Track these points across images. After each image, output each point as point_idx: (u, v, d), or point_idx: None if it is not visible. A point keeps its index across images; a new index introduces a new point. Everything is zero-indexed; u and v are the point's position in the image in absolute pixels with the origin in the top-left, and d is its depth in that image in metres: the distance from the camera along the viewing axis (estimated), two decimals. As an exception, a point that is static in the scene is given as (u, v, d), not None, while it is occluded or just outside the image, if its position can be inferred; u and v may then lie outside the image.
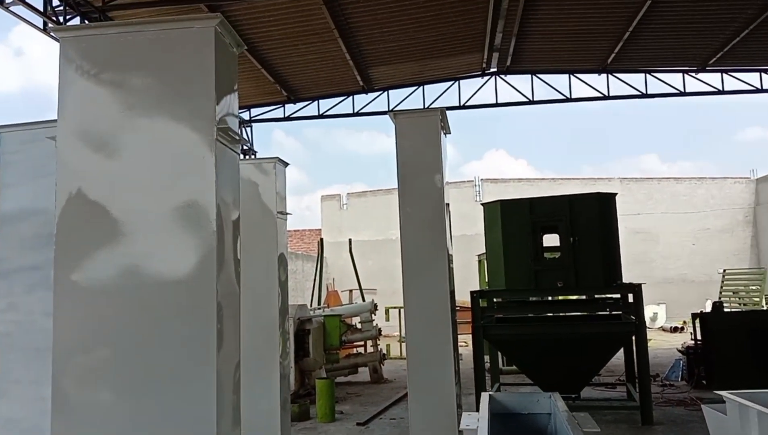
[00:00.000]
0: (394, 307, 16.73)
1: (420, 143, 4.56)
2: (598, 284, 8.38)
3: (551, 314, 9.27)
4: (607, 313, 9.10)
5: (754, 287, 19.12)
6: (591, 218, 8.41)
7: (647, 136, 71.66)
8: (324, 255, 17.31)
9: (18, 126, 4.60)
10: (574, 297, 9.51)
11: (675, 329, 19.79)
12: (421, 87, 15.22)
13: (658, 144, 69.55)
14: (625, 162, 64.72)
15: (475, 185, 23.68)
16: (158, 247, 2.80)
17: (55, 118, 3.03)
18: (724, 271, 20.40)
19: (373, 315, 12.65)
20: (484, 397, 3.40)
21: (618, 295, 8.93)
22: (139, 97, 2.83)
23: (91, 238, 2.85)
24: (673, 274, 23.46)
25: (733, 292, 19.45)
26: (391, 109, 15.36)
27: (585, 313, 9.09)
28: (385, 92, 15.34)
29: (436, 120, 4.52)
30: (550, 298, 10.17)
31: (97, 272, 2.83)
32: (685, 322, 19.16)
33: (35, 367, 4.31)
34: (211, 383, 2.68)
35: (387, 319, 16.55)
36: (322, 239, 16.06)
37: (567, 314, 8.95)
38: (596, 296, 9.29)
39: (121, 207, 2.84)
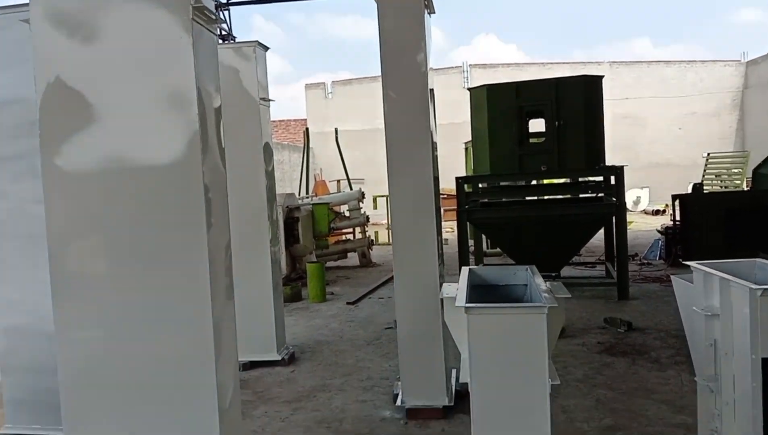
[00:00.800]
0: (382, 196, 16.94)
1: (403, 23, 4.47)
2: (581, 167, 8.51)
3: (535, 198, 9.46)
4: (589, 195, 9.31)
5: (736, 170, 19.41)
6: (576, 101, 8.41)
7: (640, 19, 69.74)
8: (310, 145, 17.26)
9: (-11, 9, 4.45)
10: (559, 181, 9.67)
11: (657, 212, 20.29)
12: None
13: (651, 27, 67.89)
14: (617, 46, 63.35)
15: (463, 71, 23.28)
16: (141, 132, 2.82)
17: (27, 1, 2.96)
18: (708, 154, 20.61)
19: (360, 203, 12.84)
20: (464, 270, 3.58)
21: (600, 178, 9.09)
22: (111, -25, 2.75)
23: (74, 126, 2.84)
24: (658, 158, 23.65)
25: (716, 176, 19.77)
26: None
27: (567, 196, 9.28)
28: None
29: (420, -3, 4.41)
30: (534, 182, 10.31)
31: (83, 159, 2.85)
32: (666, 205, 19.59)
33: (31, 252, 4.42)
34: (204, 260, 2.80)
35: (375, 208, 16.80)
36: (307, 129, 15.94)
37: (550, 197, 9.14)
38: (579, 180, 9.46)
39: (100, 92, 2.82)
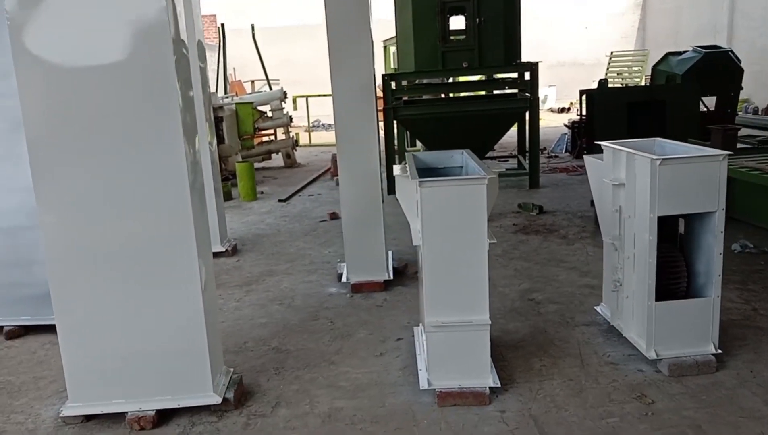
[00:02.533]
0: (302, 96, 16.90)
1: None
2: (500, 63, 8.94)
3: (456, 95, 9.88)
4: (505, 91, 9.82)
5: (636, 68, 20.53)
6: (496, 0, 8.71)
7: None
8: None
9: None
10: (479, 78, 10.09)
11: (562, 109, 21.29)
12: None
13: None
14: None
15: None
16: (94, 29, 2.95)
17: None
18: (612, 53, 21.59)
19: (283, 103, 12.84)
20: (408, 155, 3.96)
21: (515, 75, 9.58)
22: None
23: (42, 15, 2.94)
24: (565, 57, 24.43)
25: (618, 73, 20.83)
26: None
27: (485, 93, 9.75)
28: None
29: None
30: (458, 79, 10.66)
31: (52, 50, 2.97)
32: (572, 102, 20.59)
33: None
34: (180, 145, 3.04)
35: (294, 108, 16.75)
36: (223, 25, 15.40)
37: (470, 94, 9.58)
38: (495, 77, 9.91)
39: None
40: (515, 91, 9.57)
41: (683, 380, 3.44)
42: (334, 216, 7.75)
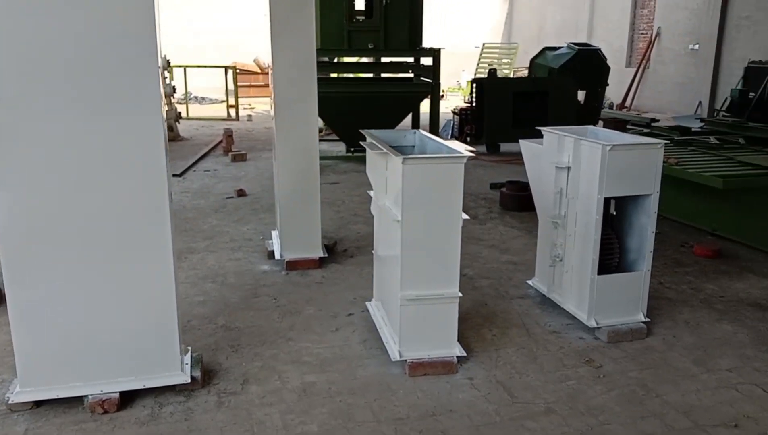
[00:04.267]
0: (179, 66, 16.06)
1: None
2: (404, 47, 9.12)
3: (360, 75, 9.94)
4: (404, 75, 10.04)
5: (506, 60, 21.71)
6: (402, -18, 8.86)
7: None
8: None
9: None
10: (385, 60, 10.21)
11: (437, 96, 22.05)
12: None
13: None
14: None
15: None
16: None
17: None
18: (483, 45, 22.63)
19: (166, 72, 12.15)
20: (366, 132, 3.98)
21: (411, 60, 9.83)
22: None
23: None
24: (437, 45, 25.28)
25: (488, 64, 21.88)
26: None
27: (387, 76, 9.91)
28: None
29: None
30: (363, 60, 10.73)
31: None
32: (443, 91, 21.37)
33: None
34: (158, 91, 2.86)
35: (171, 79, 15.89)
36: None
37: (373, 77, 9.68)
38: (395, 60, 10.09)
39: None
40: (411, 75, 9.82)
41: (621, 346, 3.81)
42: (241, 193, 7.54)
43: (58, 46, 2.72)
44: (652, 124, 10.27)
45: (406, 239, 3.33)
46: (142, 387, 3.15)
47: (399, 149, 4.00)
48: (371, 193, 3.98)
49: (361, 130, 4.08)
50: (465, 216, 3.39)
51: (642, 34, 17.79)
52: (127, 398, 3.14)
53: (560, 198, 4.13)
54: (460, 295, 3.47)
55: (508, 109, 10.54)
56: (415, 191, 3.26)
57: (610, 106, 16.74)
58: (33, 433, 2.93)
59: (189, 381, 3.20)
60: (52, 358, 3.03)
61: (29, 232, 2.87)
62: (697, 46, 15.35)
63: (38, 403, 3.08)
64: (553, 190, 4.17)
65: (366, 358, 3.65)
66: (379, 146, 3.53)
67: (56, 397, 3.06)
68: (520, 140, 4.70)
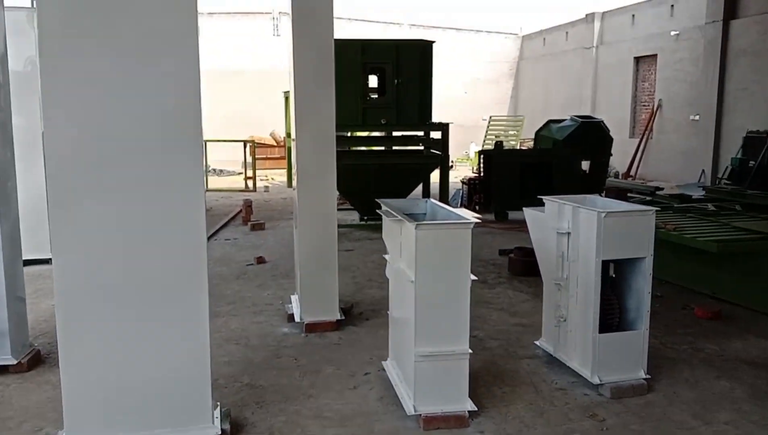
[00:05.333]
0: (215, 141, 16.79)
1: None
2: (415, 122, 9.65)
3: (374, 148, 10.46)
4: (415, 148, 10.55)
5: (512, 132, 22.41)
6: (412, 62, 9.48)
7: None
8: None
9: None
10: (397, 134, 10.76)
11: (447, 166, 22.67)
12: None
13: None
14: (395, 3, 67.31)
15: (273, 18, 23.34)
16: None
17: None
18: (490, 117, 23.41)
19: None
20: (383, 201, 4.35)
21: (421, 133, 10.35)
22: None
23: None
24: (446, 118, 26.09)
25: (495, 136, 22.58)
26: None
27: (401, 148, 10.42)
28: None
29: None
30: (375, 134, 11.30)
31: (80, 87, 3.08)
32: (453, 161, 21.98)
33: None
34: (200, 172, 3.23)
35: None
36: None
37: (386, 149, 10.19)
38: (406, 133, 10.63)
39: None
40: (422, 148, 10.32)
41: (623, 401, 4.03)
42: (261, 260, 7.89)
43: (115, 130, 3.13)
44: (656, 193, 10.65)
45: (420, 299, 3.63)
46: (177, 438, 3.39)
47: (412, 216, 4.36)
48: (387, 257, 4.30)
49: (377, 200, 4.44)
50: (473, 277, 3.70)
51: (644, 105, 18.43)
52: (162, 448, 3.38)
53: (562, 261, 4.44)
54: (470, 351, 3.74)
55: (515, 179, 10.96)
56: (427, 254, 3.59)
57: (616, 175, 17.19)
58: (77, 480, 3.18)
59: (219, 433, 3.45)
60: (98, 409, 3.30)
61: (82, 293, 3.21)
62: (697, 117, 15.89)
63: (82, 452, 3.33)
64: (555, 254, 4.49)
65: (383, 413, 3.89)
66: (394, 214, 3.88)
67: (99, 446, 3.31)
68: (524, 208, 5.04)
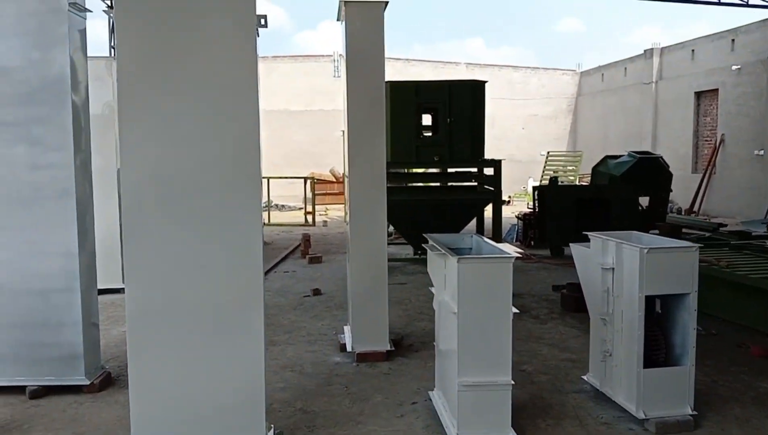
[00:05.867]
0: (263, 177, 17.46)
1: (366, 26, 5.31)
2: (467, 159, 9.86)
3: (427, 184, 10.71)
4: (468, 184, 10.73)
5: (571, 168, 22.27)
6: (465, 102, 9.74)
7: (473, 20, 75.69)
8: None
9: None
10: (451, 170, 11.00)
11: (503, 202, 22.67)
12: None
13: (484, 29, 73.95)
14: (453, 44, 68.39)
15: (334, 60, 24.16)
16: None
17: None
18: (548, 153, 23.36)
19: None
20: (429, 236, 4.55)
21: (474, 170, 10.53)
22: None
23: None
24: (503, 154, 26.09)
25: (554, 172, 22.49)
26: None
27: (453, 184, 10.63)
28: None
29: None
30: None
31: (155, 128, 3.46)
32: (510, 196, 22.01)
33: (21, 216, 4.74)
34: (258, 207, 3.52)
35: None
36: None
37: (438, 184, 10.42)
38: (459, 170, 10.83)
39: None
40: (475, 184, 10.49)
41: (669, 437, 4.03)
42: (317, 292, 8.17)
43: (182, 168, 3.46)
44: (718, 229, 10.45)
45: (462, 330, 3.79)
46: (233, 456, 3.63)
47: (458, 251, 4.54)
48: (433, 289, 4.48)
49: (424, 235, 4.64)
50: (515, 310, 3.84)
51: (706, 140, 18.07)
52: (220, 466, 3.62)
53: (607, 296, 4.51)
54: (513, 382, 3.85)
55: (570, 214, 10.95)
56: (469, 287, 3.75)
57: (679, 211, 16.84)
58: (142, 491, 3.44)
59: (272, 453, 3.67)
60: (162, 426, 3.57)
61: (151, 319, 3.51)
62: (762, 152, 15.48)
63: (146, 467, 3.60)
64: (600, 289, 4.56)
65: (428, 440, 4.02)
66: (439, 248, 4.07)
67: (162, 461, 3.58)
68: (570, 244, 5.14)
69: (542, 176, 22.44)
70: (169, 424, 3.58)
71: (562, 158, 23.52)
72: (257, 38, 3.50)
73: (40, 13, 4.66)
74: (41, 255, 4.78)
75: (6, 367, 4.83)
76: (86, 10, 4.95)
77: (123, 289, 6.18)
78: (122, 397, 4.62)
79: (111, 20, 13.92)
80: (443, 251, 3.98)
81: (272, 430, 3.87)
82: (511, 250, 4.03)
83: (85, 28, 4.95)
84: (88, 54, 5.04)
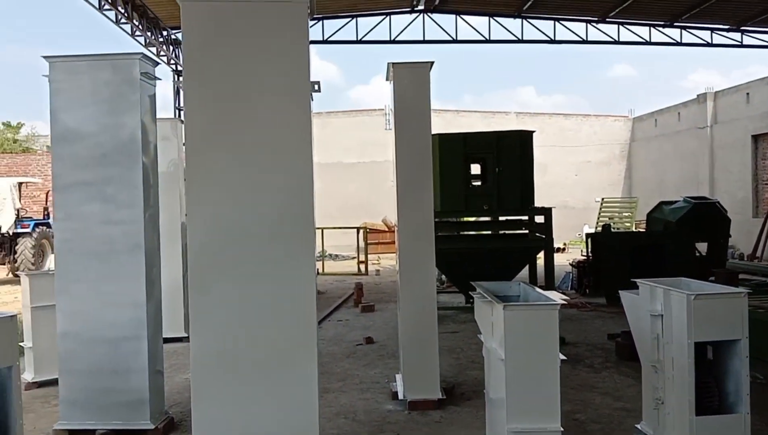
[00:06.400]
0: (317, 228, 17.89)
1: (414, 84, 5.63)
2: (516, 207, 9.95)
3: (479, 232, 10.83)
4: (519, 232, 10.79)
5: (626, 214, 21.93)
6: (513, 152, 9.90)
7: (524, 69, 76.17)
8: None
9: (65, 57, 5.15)
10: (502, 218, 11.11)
11: (557, 250, 22.40)
12: (355, 19, 15.85)
13: (535, 78, 74.31)
14: (504, 94, 68.86)
15: (385, 113, 24.77)
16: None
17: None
18: (603, 199, 23.10)
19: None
20: (477, 284, 4.68)
21: (525, 217, 10.59)
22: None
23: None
24: (556, 201, 25.95)
25: (609, 218, 22.18)
26: (325, 39, 15.97)
27: (503, 232, 10.71)
28: (320, 22, 15.84)
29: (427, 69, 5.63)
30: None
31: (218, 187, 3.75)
32: (565, 243, 21.77)
33: (93, 268, 5.11)
34: (312, 254, 3.74)
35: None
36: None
37: (488, 232, 10.52)
38: (509, 218, 10.92)
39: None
40: (526, 232, 10.54)
41: (726, 487, 3.96)
42: (370, 340, 8.31)
43: (241, 223, 3.73)
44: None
45: (510, 377, 3.87)
46: (288, 498, 3.76)
47: (505, 299, 4.65)
48: (481, 337, 4.58)
49: (471, 282, 4.77)
50: (563, 356, 3.90)
51: (766, 184, 17.59)
52: (275, 508, 3.75)
53: (657, 343, 4.50)
54: (562, 429, 3.88)
55: (625, 261, 10.82)
56: (515, 334, 3.85)
57: (741, 257, 16.32)
58: None
59: (325, 496, 3.78)
60: (221, 466, 3.76)
61: (214, 366, 3.72)
62: (827, 195, 14.96)
63: (206, 507, 3.77)
64: (650, 336, 4.56)
65: (478, 487, 4.06)
66: (485, 295, 4.20)
67: (222, 500, 3.74)
68: (619, 291, 5.17)
69: (597, 223, 22.14)
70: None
71: (617, 205, 23.20)
72: (311, 102, 3.80)
73: (114, 83, 5.12)
74: (113, 305, 5.10)
75: (77, 411, 5.12)
76: (156, 78, 5.41)
77: (185, 338, 6.71)
78: (184, 441, 4.84)
79: (175, 83, 14.81)
80: (489, 299, 4.10)
81: (326, 475, 3.99)
82: (557, 297, 4.10)
83: (154, 94, 5.40)
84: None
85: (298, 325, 3.77)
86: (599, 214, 22.56)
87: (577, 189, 25.87)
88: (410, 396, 5.64)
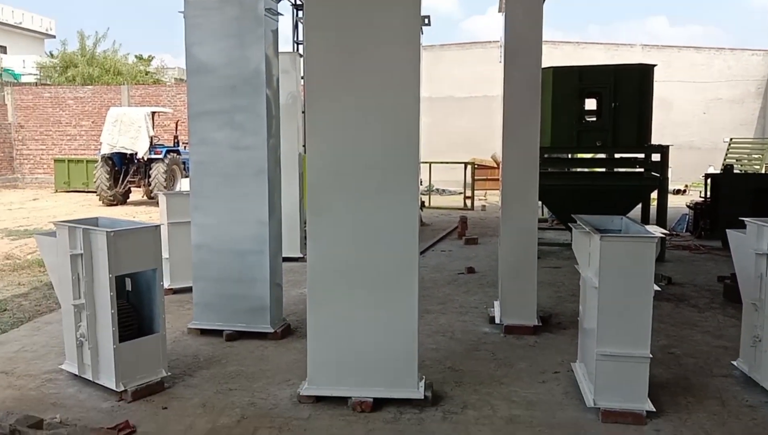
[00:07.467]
0: (425, 162, 18.15)
1: (526, 15, 5.64)
2: (632, 145, 9.69)
3: (591, 169, 10.66)
4: (631, 170, 10.50)
5: (756, 156, 20.46)
6: (631, 87, 9.56)
7: (655, -5, 70.44)
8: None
9: (199, -6, 5.62)
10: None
11: (678, 191, 21.33)
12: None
13: (668, 6, 68.55)
14: (633, 23, 64.18)
15: (500, 46, 24.14)
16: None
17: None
18: (731, 139, 21.61)
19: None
20: (578, 217, 4.80)
21: (641, 155, 10.27)
22: None
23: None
24: (681, 140, 24.55)
25: (737, 160, 20.79)
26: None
27: (616, 170, 10.48)
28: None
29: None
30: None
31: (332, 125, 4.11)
32: (687, 185, 20.73)
33: (223, 188, 5.69)
34: (416, 181, 4.04)
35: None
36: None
37: (601, 170, 10.34)
38: (623, 156, 10.63)
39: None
40: (641, 170, 10.23)
41: (819, 425, 3.98)
42: (471, 270, 8.61)
43: (354, 151, 4.09)
44: None
45: (603, 303, 4.04)
46: (389, 396, 4.22)
47: (606, 231, 4.75)
48: (577, 267, 4.74)
49: (573, 215, 4.89)
50: (657, 287, 4.01)
51: None
52: (378, 404, 4.23)
53: (759, 282, 4.47)
54: (651, 356, 4.03)
55: (745, 204, 10.30)
56: (610, 263, 3.99)
57: None
58: (314, 417, 4.15)
59: (422, 398, 4.21)
60: (332, 368, 4.27)
61: (328, 280, 4.20)
62: None
63: (318, 398, 4.31)
64: (753, 274, 4.53)
65: (566, 404, 4.33)
66: (583, 226, 4.33)
67: (330, 395, 4.27)
68: (727, 230, 5.10)
69: (723, 164, 20.83)
70: (338, 367, 4.26)
71: (748, 146, 21.62)
72: (421, 36, 4.01)
73: (241, 18, 5.53)
74: (240, 222, 5.69)
75: (208, 313, 5.84)
76: (278, 14, 5.78)
77: (300, 258, 7.40)
78: (299, 344, 5.41)
79: (294, 17, 15.27)
80: (587, 229, 4.24)
81: (423, 381, 4.40)
82: (658, 231, 4.17)
83: (277, 29, 5.78)
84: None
85: (402, 245, 4.13)
86: (726, 155, 21.18)
87: (705, 128, 24.28)
88: (507, 321, 5.92)
